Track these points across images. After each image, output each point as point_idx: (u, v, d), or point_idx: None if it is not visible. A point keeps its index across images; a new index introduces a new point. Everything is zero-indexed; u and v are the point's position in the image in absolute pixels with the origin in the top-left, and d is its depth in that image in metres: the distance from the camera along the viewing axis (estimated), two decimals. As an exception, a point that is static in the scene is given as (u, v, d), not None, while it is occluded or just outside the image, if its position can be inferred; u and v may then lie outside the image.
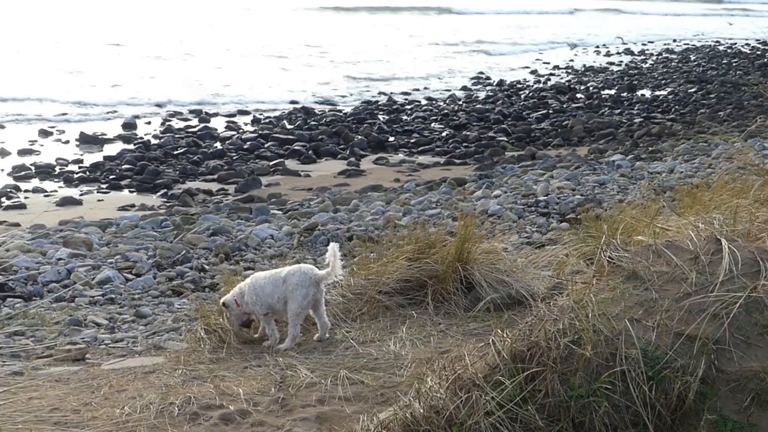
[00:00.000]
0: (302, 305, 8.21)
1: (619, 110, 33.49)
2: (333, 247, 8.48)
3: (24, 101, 34.10)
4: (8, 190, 20.55)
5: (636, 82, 42.43)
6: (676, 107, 33.55)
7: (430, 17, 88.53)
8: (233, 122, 31.05)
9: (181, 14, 75.57)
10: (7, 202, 19.59)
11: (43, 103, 33.91)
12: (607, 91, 39.39)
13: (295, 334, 8.23)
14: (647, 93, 38.81)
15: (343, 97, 37.95)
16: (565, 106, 34.66)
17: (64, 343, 9.64)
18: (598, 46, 63.90)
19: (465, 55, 56.30)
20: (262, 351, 8.11)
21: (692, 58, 55.98)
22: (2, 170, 23.00)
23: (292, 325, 8.24)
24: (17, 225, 17.23)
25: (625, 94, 38.09)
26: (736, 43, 66.02)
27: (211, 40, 56.28)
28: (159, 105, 34.62)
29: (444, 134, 28.89)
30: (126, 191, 21.35)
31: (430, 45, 60.37)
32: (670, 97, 36.89)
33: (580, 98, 37.15)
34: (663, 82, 42.90)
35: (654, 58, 57.10)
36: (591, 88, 40.88)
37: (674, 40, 71.28)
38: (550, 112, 33.00)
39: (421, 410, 5.27)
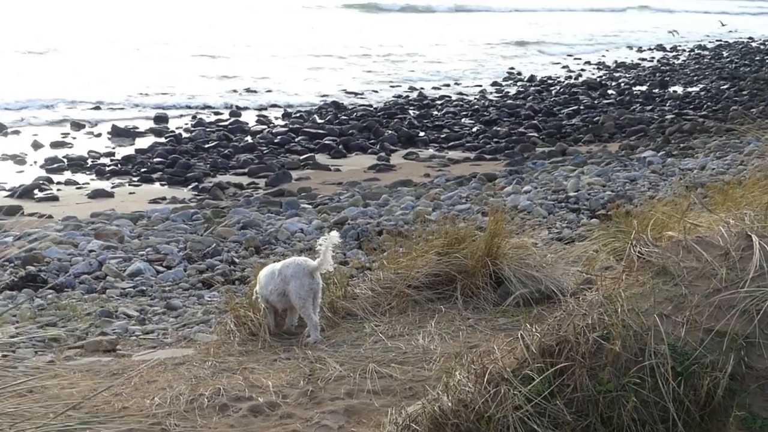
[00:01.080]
0: (300, 295, 8.20)
1: (650, 106, 33.30)
2: (331, 236, 8.47)
3: (55, 98, 34.32)
4: (41, 182, 20.69)
5: (668, 79, 42.20)
6: (709, 104, 33.30)
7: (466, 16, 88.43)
8: (264, 116, 31.12)
9: (211, 15, 75.79)
10: (39, 194, 19.72)
11: (76, 97, 34.08)
12: (638, 87, 39.19)
13: (314, 324, 8.23)
14: (679, 89, 38.58)
15: (375, 92, 37.95)
16: (596, 102, 34.52)
17: (96, 334, 9.72)
18: (632, 47, 63.52)
19: (498, 50, 56.15)
20: (291, 344, 8.14)
21: (725, 54, 55.61)
22: (35, 162, 23.17)
23: (305, 317, 8.27)
24: (50, 217, 17.36)
25: (656, 91, 37.88)
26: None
27: (239, 39, 56.29)
28: (190, 98, 34.77)
29: (474, 129, 28.83)
30: (157, 184, 21.45)
31: (461, 42, 60.25)
32: (703, 93, 36.64)
33: (612, 94, 37.02)
34: (695, 78, 42.64)
35: (686, 54, 56.77)
36: (622, 84, 40.71)
37: (707, 36, 70.91)
38: (581, 108, 32.87)
39: (450, 404, 5.28)
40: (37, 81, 36.29)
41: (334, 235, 8.55)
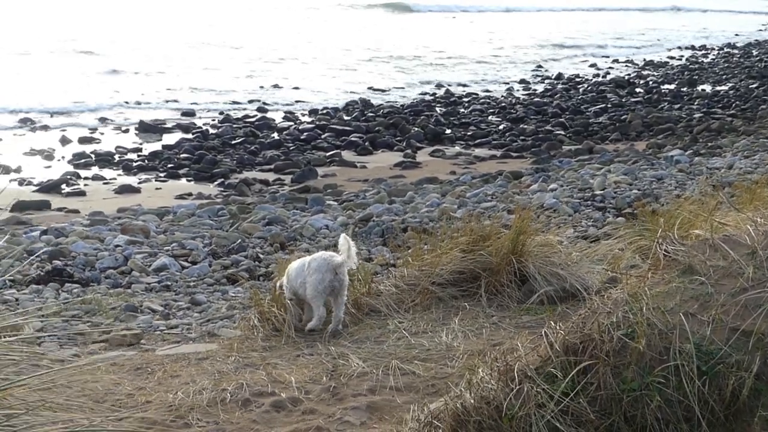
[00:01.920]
0: (317, 288, 8.21)
1: (678, 105, 33.12)
2: (344, 236, 8.60)
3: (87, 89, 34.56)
4: (68, 177, 20.80)
5: (696, 77, 41.99)
6: (737, 103, 33.07)
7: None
8: (291, 113, 31.16)
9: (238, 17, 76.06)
10: (67, 189, 19.84)
11: (104, 93, 34.29)
12: (666, 86, 39.01)
13: (320, 315, 8.25)
14: (708, 88, 38.37)
15: (401, 88, 37.96)
16: (623, 100, 34.38)
17: (120, 328, 9.75)
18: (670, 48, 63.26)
19: (525, 49, 56.04)
20: (314, 340, 8.14)
21: (754, 53, 55.27)
22: (63, 158, 23.31)
23: (314, 307, 8.28)
24: (77, 212, 17.46)
25: (685, 89, 37.67)
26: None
27: (267, 38, 56.41)
28: (219, 94, 34.91)
29: (501, 127, 28.77)
30: (184, 180, 21.52)
31: (490, 41, 60.19)
32: (731, 92, 36.41)
33: (640, 92, 36.86)
34: (724, 77, 42.40)
35: (715, 52, 56.47)
36: (650, 82, 40.53)
37: (736, 35, 70.53)
38: (609, 106, 32.75)
39: (472, 401, 5.25)
40: (73, 80, 36.53)
41: (344, 236, 8.69)
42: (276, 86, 37.60)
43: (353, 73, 41.83)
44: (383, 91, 37.12)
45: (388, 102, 33.84)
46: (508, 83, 40.10)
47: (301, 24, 65.58)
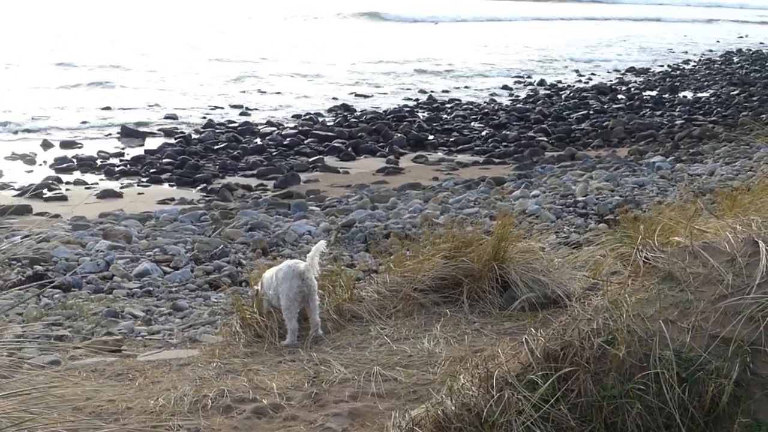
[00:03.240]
0: (289, 297, 8.23)
1: (660, 111, 33.26)
2: (318, 245, 8.67)
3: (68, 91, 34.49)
4: (50, 181, 20.73)
5: (678, 84, 42.15)
6: (718, 109, 33.23)
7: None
8: (273, 118, 31.13)
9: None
10: (48, 194, 19.76)
11: (86, 98, 34.25)
12: (648, 92, 39.14)
13: (292, 328, 8.25)
14: (689, 95, 38.52)
15: (383, 94, 37.99)
16: (605, 106, 34.48)
17: (101, 334, 9.73)
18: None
19: (506, 55, 56.15)
20: (296, 347, 8.13)
21: (735, 60, 55.53)
22: (45, 162, 23.23)
23: (287, 319, 8.29)
24: (58, 216, 17.40)
25: (666, 96, 37.81)
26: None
27: (251, 45, 56.39)
28: (198, 99, 34.92)
29: (484, 133, 28.81)
30: (166, 185, 21.48)
31: (468, 48, 60.30)
32: (713, 99, 36.57)
33: (621, 99, 36.97)
34: (705, 83, 42.57)
35: (696, 59, 56.74)
36: (632, 89, 40.66)
37: (717, 41, 70.90)
38: (591, 112, 32.85)
39: (453, 407, 5.26)
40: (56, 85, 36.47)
41: (322, 243, 8.75)
42: (259, 91, 37.60)
43: (335, 79, 41.80)
44: (366, 96, 37.12)
45: (371, 108, 33.84)
46: (490, 89, 40.13)
47: (277, 33, 65.50)
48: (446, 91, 39.07)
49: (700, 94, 38.45)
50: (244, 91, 37.38)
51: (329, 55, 51.06)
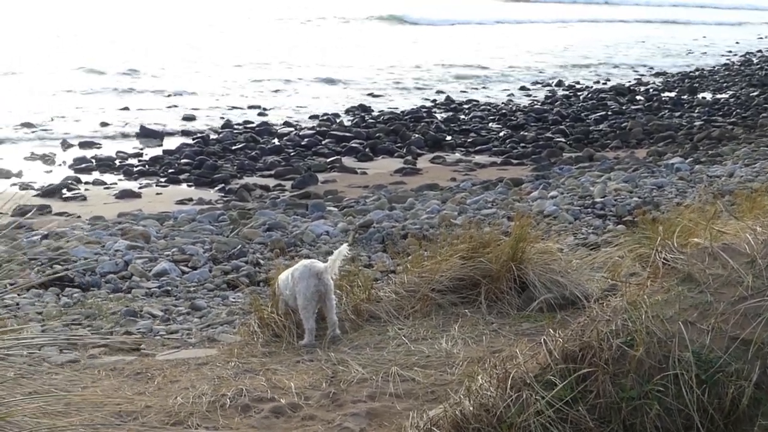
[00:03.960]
0: (306, 297, 8.26)
1: (679, 113, 33.07)
2: (342, 249, 8.74)
3: (88, 95, 34.65)
4: (69, 181, 20.80)
5: (697, 85, 41.98)
6: (738, 111, 33.02)
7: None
8: (291, 119, 31.16)
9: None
10: (67, 194, 19.83)
11: (105, 97, 34.39)
12: (667, 94, 38.98)
13: (310, 328, 8.27)
14: (708, 96, 38.35)
15: (401, 95, 37.98)
16: (624, 107, 34.34)
17: (120, 333, 9.76)
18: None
19: (525, 56, 56.06)
20: (314, 346, 8.14)
21: (755, 61, 55.28)
22: (64, 162, 23.32)
23: (304, 319, 8.30)
24: (77, 216, 17.46)
25: (685, 97, 37.66)
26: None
27: (268, 48, 56.47)
28: (218, 100, 34.99)
29: (501, 134, 28.76)
30: (184, 185, 21.52)
31: (488, 49, 60.21)
32: (732, 100, 36.39)
33: (640, 100, 36.81)
34: (724, 85, 42.39)
35: (715, 60, 56.53)
36: (651, 90, 40.51)
37: (737, 42, 70.64)
38: (609, 113, 32.71)
39: (471, 408, 5.26)
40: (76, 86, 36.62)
41: (345, 248, 8.80)
42: (276, 92, 37.63)
43: (354, 80, 41.77)
44: (383, 97, 37.12)
45: (389, 108, 33.83)
46: (508, 90, 40.07)
47: (299, 35, 65.55)
48: (464, 92, 39.02)
49: (719, 96, 38.28)
50: (262, 92, 37.40)
51: (349, 56, 50.99)
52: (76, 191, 20.16)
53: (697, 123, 30.32)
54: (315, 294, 8.29)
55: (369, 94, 37.56)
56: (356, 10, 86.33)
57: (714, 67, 52.24)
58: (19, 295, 11.54)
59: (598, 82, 43.70)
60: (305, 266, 8.47)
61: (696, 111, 33.44)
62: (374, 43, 59.83)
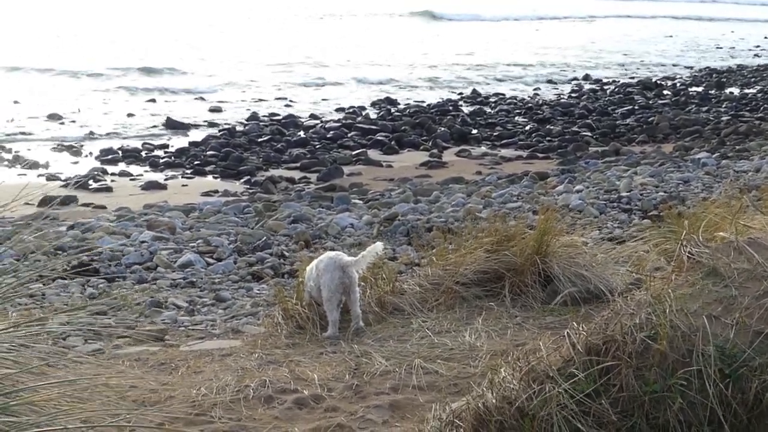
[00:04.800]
0: (330, 289, 8.27)
1: (706, 107, 32.91)
2: (376, 246, 8.76)
3: (114, 88, 34.81)
4: (95, 173, 20.91)
5: (724, 80, 41.73)
6: (765, 106, 32.83)
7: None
8: (317, 111, 31.19)
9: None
10: (94, 185, 19.92)
11: (131, 90, 34.53)
12: (694, 88, 38.78)
13: (334, 320, 8.28)
14: (735, 91, 38.12)
15: (428, 87, 37.97)
16: (651, 102, 34.20)
17: (145, 323, 9.80)
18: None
19: (552, 51, 55.89)
20: (337, 338, 8.15)
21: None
22: (90, 153, 23.44)
23: (328, 311, 8.31)
24: (103, 207, 17.55)
25: (713, 92, 37.45)
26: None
27: (296, 42, 56.52)
28: (244, 92, 35.09)
29: (527, 128, 28.69)
30: (210, 177, 21.58)
31: (516, 44, 60.06)
32: (759, 95, 36.18)
33: (667, 94, 36.66)
34: (752, 80, 42.12)
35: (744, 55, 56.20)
36: (678, 84, 40.31)
37: (766, 38, 70.19)
38: (636, 107, 32.58)
39: (494, 401, 5.25)
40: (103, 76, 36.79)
41: (380, 246, 8.81)
42: (303, 84, 37.68)
43: (380, 74, 41.76)
44: (410, 90, 37.10)
45: (415, 101, 33.82)
46: (535, 84, 39.98)
47: (329, 30, 65.60)
48: (489, 84, 38.96)
49: (747, 90, 38.05)
50: (289, 84, 37.47)
51: (377, 51, 50.98)
52: (103, 182, 20.25)
53: (725, 118, 30.15)
54: (339, 286, 8.29)
55: (395, 87, 37.55)
56: (388, 5, 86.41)
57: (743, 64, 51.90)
58: (44, 285, 11.61)
59: (625, 76, 43.53)
60: (330, 258, 8.48)
61: (723, 106, 33.24)
62: (403, 38, 59.84)
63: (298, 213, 15.95)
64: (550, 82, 40.64)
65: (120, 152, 23.57)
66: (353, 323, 8.31)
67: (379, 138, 25.85)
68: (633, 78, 42.64)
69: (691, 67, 48.55)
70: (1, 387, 4.59)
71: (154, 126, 27.82)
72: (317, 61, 45.34)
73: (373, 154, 24.29)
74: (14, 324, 5.34)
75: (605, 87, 39.08)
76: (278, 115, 30.05)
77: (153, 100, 32.57)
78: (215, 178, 21.48)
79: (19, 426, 4.38)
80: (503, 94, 36.22)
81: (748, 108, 32.62)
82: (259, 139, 25.46)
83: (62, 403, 4.71)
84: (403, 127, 27.51)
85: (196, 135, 26.46)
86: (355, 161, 23.39)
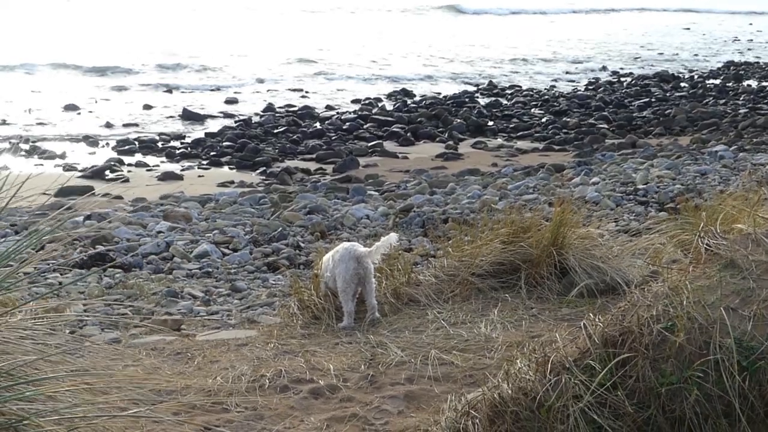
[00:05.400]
0: (345, 279, 8.26)
1: (723, 100, 32.78)
2: (390, 237, 8.72)
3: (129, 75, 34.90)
4: (112, 163, 20.98)
5: (742, 72, 41.55)
6: (784, 98, 32.74)
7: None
8: (333, 102, 31.20)
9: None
10: (110, 175, 19.99)
11: (149, 81, 34.61)
12: (712, 81, 38.62)
13: (349, 311, 8.28)
14: (753, 83, 37.95)
15: (447, 79, 37.92)
16: (668, 94, 34.08)
17: (161, 313, 9.83)
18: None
19: (569, 44, 55.73)
20: (353, 328, 8.16)
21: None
22: (107, 144, 23.51)
23: (343, 302, 8.31)
24: (120, 197, 17.59)
25: (730, 84, 37.29)
26: None
27: (315, 35, 56.52)
28: (260, 81, 35.13)
29: (544, 120, 28.64)
30: (226, 168, 21.63)
31: (535, 38, 59.92)
32: (777, 88, 36.05)
33: (684, 87, 36.52)
34: (770, 72, 41.97)
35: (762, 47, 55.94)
36: (695, 76, 40.16)
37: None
38: (653, 100, 32.49)
39: (510, 391, 5.24)
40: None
41: (394, 237, 8.78)
42: (320, 74, 37.68)
43: (396, 65, 41.74)
44: (427, 79, 37.09)
45: (431, 93, 33.80)
46: (551, 75, 39.90)
47: (351, 24, 65.57)
48: (506, 75, 38.89)
49: (764, 83, 37.87)
50: (306, 75, 37.49)
51: (399, 44, 50.91)
52: (119, 173, 20.33)
53: (742, 110, 30.02)
54: (354, 277, 8.30)
55: (412, 78, 37.53)
56: (417, 1, 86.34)
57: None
58: (61, 274, 11.66)
59: (642, 68, 43.38)
60: (346, 249, 8.49)
61: (741, 98, 33.10)
62: (425, 32, 59.68)
63: (313, 204, 15.97)
64: (567, 73, 40.51)
65: (136, 143, 23.64)
66: (368, 314, 8.31)
67: (395, 130, 25.86)
68: (650, 69, 42.48)
69: (709, 60, 48.33)
70: (20, 375, 4.62)
71: (171, 117, 27.88)
72: (335, 54, 45.31)
73: (389, 145, 24.30)
74: (32, 313, 5.36)
75: (622, 79, 38.95)
76: (294, 106, 30.09)
77: (169, 92, 32.67)
78: (231, 169, 21.53)
79: (39, 413, 4.41)
80: (519, 86, 36.16)
81: (766, 101, 32.47)
82: (275, 131, 25.50)
83: (79, 390, 4.72)
84: (419, 119, 27.52)
85: (213, 126, 26.52)
86: (370, 153, 23.41)
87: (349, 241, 10.38)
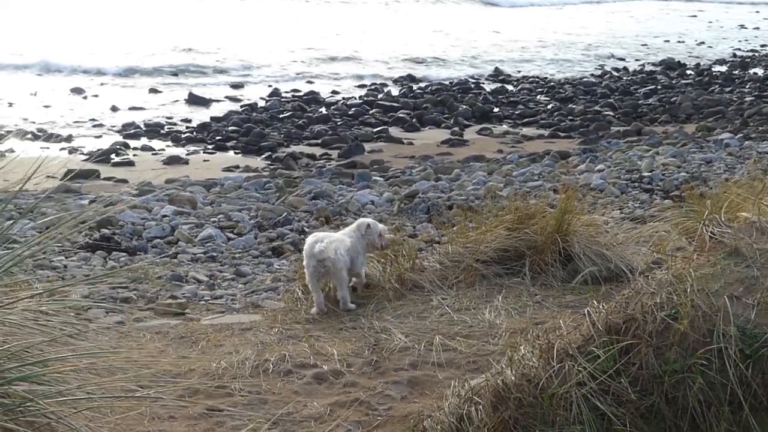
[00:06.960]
0: (308, 273, 8.36)
1: (730, 88, 32.65)
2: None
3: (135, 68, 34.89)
4: (118, 147, 20.97)
5: (749, 60, 41.43)
6: (791, 86, 32.61)
7: None
8: (339, 88, 31.17)
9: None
10: (116, 159, 19.99)
11: (155, 66, 34.58)
12: (718, 68, 38.50)
13: (317, 301, 8.34)
14: (760, 71, 37.83)
15: (458, 66, 37.89)
16: (674, 82, 33.99)
17: (166, 297, 9.85)
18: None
19: (581, 32, 55.63)
20: (357, 314, 8.18)
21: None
22: (113, 127, 23.50)
23: (312, 291, 8.42)
24: (125, 181, 17.61)
25: (736, 72, 37.17)
26: None
27: (333, 24, 56.35)
28: (267, 67, 35.09)
29: (549, 107, 28.56)
30: (231, 152, 21.60)
31: (544, 30, 59.73)
32: (784, 76, 35.92)
33: (690, 74, 36.41)
34: (778, 60, 41.82)
35: (768, 35, 55.76)
36: (701, 64, 40.04)
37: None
38: (659, 87, 32.38)
39: (513, 378, 5.26)
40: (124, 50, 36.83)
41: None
42: (331, 58, 37.63)
43: (405, 52, 41.62)
44: (435, 64, 37.06)
45: (437, 79, 33.75)
46: (557, 62, 39.79)
47: (373, 14, 65.33)
48: (515, 63, 38.83)
49: (771, 71, 37.77)
50: (311, 60, 37.40)
51: (421, 35, 50.71)
52: (125, 157, 20.31)
53: (748, 99, 29.90)
54: (314, 273, 8.26)
55: (420, 63, 37.48)
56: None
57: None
58: (66, 257, 11.69)
59: (648, 55, 43.25)
60: (309, 244, 8.44)
61: (747, 86, 32.98)
62: (443, 22, 59.39)
63: (318, 189, 15.97)
64: (572, 61, 40.42)
65: (142, 126, 23.61)
66: (341, 304, 8.34)
67: (400, 115, 25.81)
68: (656, 57, 42.36)
69: (713, 47, 48.19)
70: (26, 357, 4.64)
71: (176, 101, 27.86)
72: (345, 41, 45.17)
73: (395, 131, 24.26)
74: (38, 295, 5.38)
75: (628, 66, 38.86)
76: (300, 91, 30.05)
77: (175, 75, 32.61)
78: (236, 153, 21.51)
79: (45, 394, 4.43)
80: (526, 73, 36.08)
81: (773, 89, 32.37)
82: (281, 116, 25.45)
83: (84, 373, 4.74)
84: (424, 105, 27.45)
85: (218, 110, 26.48)
86: (376, 138, 23.36)
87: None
